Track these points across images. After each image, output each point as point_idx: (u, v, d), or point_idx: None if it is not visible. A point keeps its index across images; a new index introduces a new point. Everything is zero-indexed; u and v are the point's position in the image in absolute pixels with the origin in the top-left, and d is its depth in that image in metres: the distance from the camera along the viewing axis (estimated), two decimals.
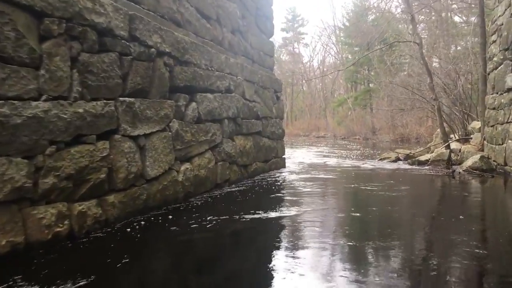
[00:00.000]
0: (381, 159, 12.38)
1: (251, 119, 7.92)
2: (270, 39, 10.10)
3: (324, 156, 14.85)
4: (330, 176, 8.79)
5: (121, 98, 4.22)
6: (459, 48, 24.97)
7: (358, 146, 22.13)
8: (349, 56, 43.06)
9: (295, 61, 52.64)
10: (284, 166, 9.99)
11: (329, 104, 48.36)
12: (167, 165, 4.97)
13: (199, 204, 5.37)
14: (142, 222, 4.27)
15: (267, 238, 4.04)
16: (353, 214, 5.10)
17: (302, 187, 7.10)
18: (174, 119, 5.21)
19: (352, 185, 7.47)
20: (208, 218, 4.52)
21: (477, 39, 15.54)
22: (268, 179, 7.89)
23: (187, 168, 5.47)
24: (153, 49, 4.76)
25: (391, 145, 23.26)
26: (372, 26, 35.48)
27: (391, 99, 32.02)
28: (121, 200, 4.17)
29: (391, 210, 5.33)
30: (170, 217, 4.55)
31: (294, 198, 6.00)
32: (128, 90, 4.35)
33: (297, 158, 13.67)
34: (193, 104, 5.73)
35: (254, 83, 8.19)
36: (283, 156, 10.10)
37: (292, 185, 7.32)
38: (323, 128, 43.68)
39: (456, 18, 28.89)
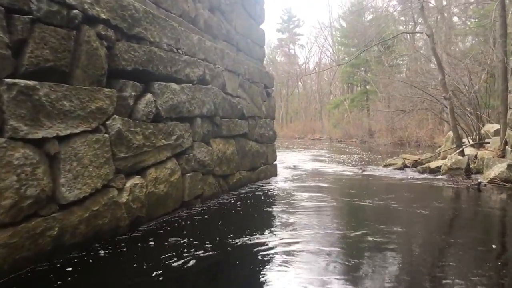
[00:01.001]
0: (385, 166, 10.83)
1: (234, 118, 6.34)
2: (261, 27, 8.52)
3: (321, 161, 13.30)
4: (330, 186, 7.24)
5: (8, 80, 2.63)
6: (467, 43, 23.46)
7: (356, 150, 20.59)
8: (346, 57, 41.59)
9: (290, 62, 51.11)
10: (275, 174, 8.42)
11: (324, 106, 46.89)
12: (100, 181, 3.38)
13: (153, 232, 3.80)
14: (47, 274, 2.69)
15: None
16: (365, 243, 3.52)
17: (296, 201, 5.54)
18: (115, 116, 3.62)
19: (359, 199, 5.86)
20: (163, 256, 2.96)
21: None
22: (256, 192, 6.32)
23: (136, 183, 3.88)
24: (76, 11, 3.16)
25: (391, 148, 21.75)
26: (370, 26, 34.15)
27: (389, 101, 30.64)
28: (7, 242, 2.58)
29: (421, 240, 3.77)
30: (98, 260, 2.97)
31: (287, 219, 4.41)
32: (24, 68, 2.76)
33: (291, 163, 12.11)
34: (148, 96, 4.14)
35: (239, 75, 6.61)
36: (275, 163, 8.53)
37: (284, 199, 5.74)
38: (318, 130, 42.16)
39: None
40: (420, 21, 31.83)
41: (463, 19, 28.31)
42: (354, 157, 14.85)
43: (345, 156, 15.50)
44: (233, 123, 6.23)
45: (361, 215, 5.10)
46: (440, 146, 24.37)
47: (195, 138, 5.07)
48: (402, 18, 36.71)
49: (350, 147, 24.26)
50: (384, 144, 27.14)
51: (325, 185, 7.45)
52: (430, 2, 21.25)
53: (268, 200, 5.81)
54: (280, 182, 7.56)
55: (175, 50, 4.66)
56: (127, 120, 3.79)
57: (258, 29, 8.30)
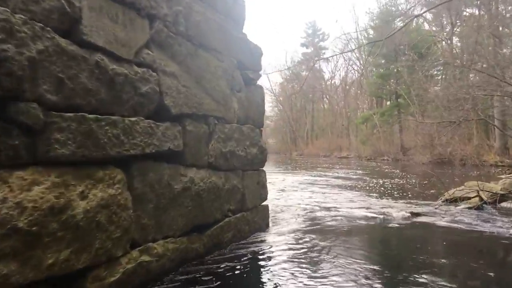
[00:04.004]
0: (447, 201, 6.65)
1: (127, 114, 2.46)
2: None
3: (350, 187, 9.18)
4: (375, 271, 3.18)
5: None
6: None
7: (391, 170, 16.21)
8: (374, 69, 37.28)
9: (315, 77, 47.14)
10: (263, 228, 4.43)
11: (352, 122, 42.44)
12: None
13: None
14: None
15: None
16: None
17: None
18: None
19: None
20: None
21: None
22: None
23: None
24: None
25: (431, 168, 17.26)
26: (400, 33, 29.80)
27: (423, 114, 26.07)
28: None
29: None
30: None
31: None
32: None
33: (304, 194, 8.06)
34: None
35: (153, 19, 2.76)
36: (263, 204, 4.55)
37: None
38: (345, 147, 37.73)
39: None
40: (458, 23, 27.36)
41: None
42: (392, 182, 10.62)
43: (380, 180, 11.26)
44: (117, 125, 2.35)
45: None
46: (491, 165, 19.67)
47: None
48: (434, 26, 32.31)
49: (383, 166, 19.85)
50: (421, 162, 22.56)
51: (364, 264, 3.39)
52: None
53: None
54: (265, 253, 3.57)
55: None
56: None
57: None
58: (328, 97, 47.79)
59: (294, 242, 3.97)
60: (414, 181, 10.99)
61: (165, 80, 2.80)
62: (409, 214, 5.54)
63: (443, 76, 29.92)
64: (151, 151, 2.58)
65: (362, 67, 37.01)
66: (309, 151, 42.71)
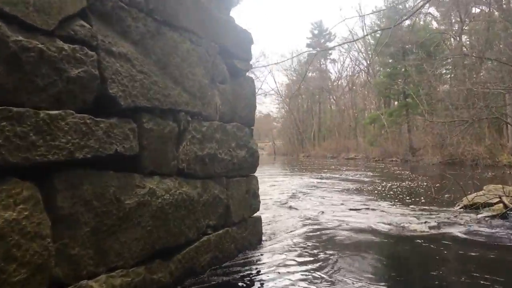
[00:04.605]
0: (466, 207, 5.88)
1: (49, 106, 1.78)
2: None
3: (358, 191, 8.44)
4: None
5: None
6: None
7: (401, 172, 15.37)
8: (381, 69, 36.39)
9: (322, 78, 46.30)
10: (256, 242, 3.74)
11: (359, 123, 41.51)
12: None
13: None
14: None
15: None
16: None
17: None
18: None
19: None
20: None
21: None
22: None
23: None
24: None
25: (441, 169, 16.40)
26: (407, 32, 28.85)
27: (433, 114, 25.08)
28: None
29: None
30: None
31: None
32: None
33: (307, 199, 7.34)
34: None
35: None
36: (253, 216, 3.82)
37: None
38: (353, 149, 36.81)
39: None
40: (466, 21, 26.36)
41: None
42: (402, 186, 9.84)
43: (389, 183, 10.48)
44: (24, 121, 1.67)
45: None
46: (505, 166, 18.67)
47: None
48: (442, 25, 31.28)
49: (392, 168, 19.00)
50: (431, 163, 21.66)
51: None
52: None
53: None
54: (254, 280, 2.86)
55: None
56: None
57: None
58: (335, 98, 46.93)
59: (292, 262, 3.26)
60: (425, 184, 10.20)
61: (110, 63, 2.11)
62: (424, 224, 4.81)
63: (452, 75, 28.94)
64: (85, 156, 1.89)
65: (369, 60, 35.63)
66: (316, 152, 41.87)
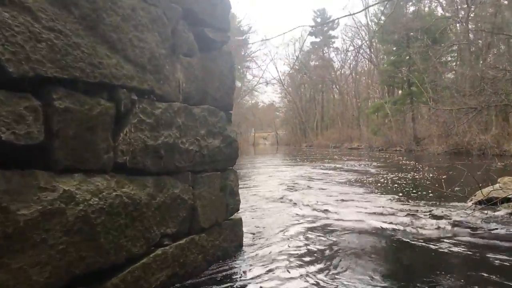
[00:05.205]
0: (481, 203, 5.17)
1: None
2: None
3: (358, 183, 7.75)
4: None
5: None
6: None
7: (406, 162, 14.62)
8: (385, 57, 35.43)
9: (325, 67, 45.34)
10: (233, 249, 3.08)
11: (362, 112, 40.62)
12: None
13: None
14: None
15: None
16: None
17: None
18: None
19: None
20: None
21: None
22: None
23: None
24: None
25: (448, 159, 15.67)
26: (412, 18, 27.77)
27: (437, 102, 24.18)
28: None
29: None
30: None
31: None
32: None
33: (304, 193, 6.66)
34: None
35: None
36: (231, 219, 3.15)
37: None
38: (356, 138, 36.06)
39: None
40: (472, 7, 25.27)
41: None
42: (407, 177, 9.13)
43: (395, 175, 9.76)
44: None
45: None
46: None
47: None
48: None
49: (395, 157, 18.26)
50: (437, 153, 20.89)
51: None
52: None
53: None
54: None
55: None
56: None
57: None
58: (338, 87, 46.00)
59: (276, 276, 2.60)
60: (431, 175, 9.49)
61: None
62: (433, 224, 4.13)
63: (458, 62, 27.94)
64: None
65: (374, 34, 34.27)
66: (318, 142, 41.16)
